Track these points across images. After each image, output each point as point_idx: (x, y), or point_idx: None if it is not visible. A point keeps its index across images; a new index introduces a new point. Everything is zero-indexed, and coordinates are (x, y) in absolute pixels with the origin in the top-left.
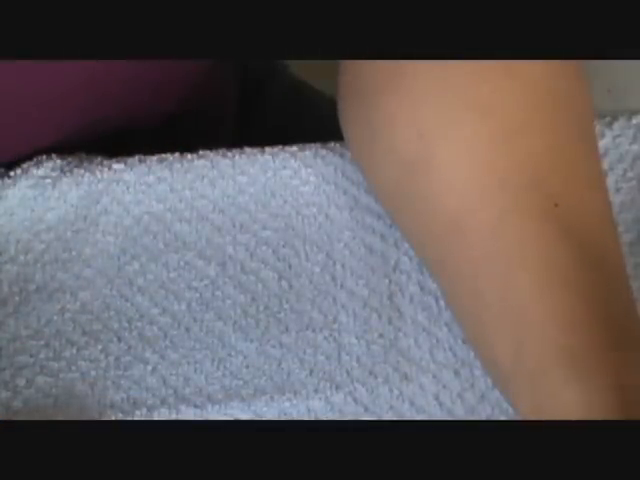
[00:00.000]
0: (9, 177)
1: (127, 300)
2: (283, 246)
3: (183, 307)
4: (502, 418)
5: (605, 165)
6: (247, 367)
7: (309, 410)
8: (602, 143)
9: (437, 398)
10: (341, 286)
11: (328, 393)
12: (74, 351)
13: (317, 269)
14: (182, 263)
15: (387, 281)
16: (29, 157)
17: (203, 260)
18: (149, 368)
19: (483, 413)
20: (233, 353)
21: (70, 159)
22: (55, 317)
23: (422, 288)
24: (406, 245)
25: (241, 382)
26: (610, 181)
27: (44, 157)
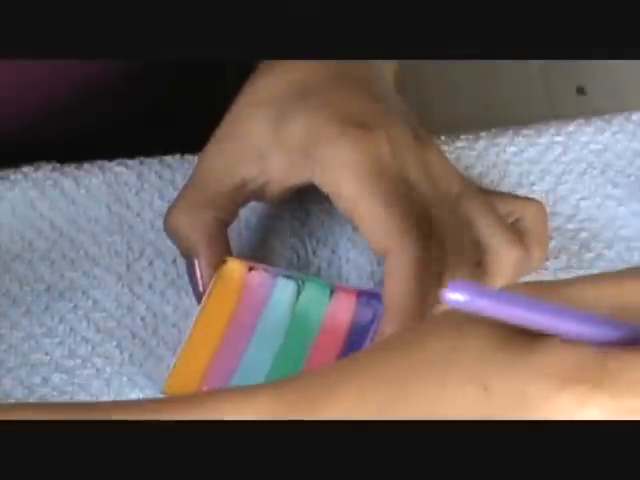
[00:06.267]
0: (10, 181)
1: (139, 297)
2: (289, 236)
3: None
4: None
5: (604, 161)
6: None
7: None
8: (601, 139)
9: None
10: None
11: None
12: (89, 348)
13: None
14: None
15: None
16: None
17: None
18: (164, 364)
19: None
20: None
21: (69, 163)
22: (68, 315)
23: None
24: None
25: None
26: (609, 176)
27: (43, 162)
